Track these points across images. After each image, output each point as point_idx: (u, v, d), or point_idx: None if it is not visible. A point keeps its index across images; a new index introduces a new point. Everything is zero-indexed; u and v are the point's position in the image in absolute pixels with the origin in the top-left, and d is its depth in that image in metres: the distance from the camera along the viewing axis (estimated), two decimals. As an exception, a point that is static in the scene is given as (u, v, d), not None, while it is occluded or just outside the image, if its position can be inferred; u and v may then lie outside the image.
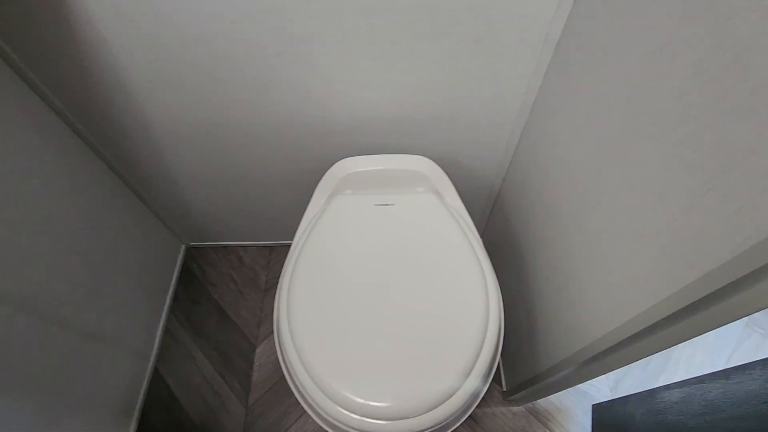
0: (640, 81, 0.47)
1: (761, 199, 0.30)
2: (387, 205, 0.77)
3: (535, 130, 0.79)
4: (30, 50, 0.68)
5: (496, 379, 1.08)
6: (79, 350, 0.84)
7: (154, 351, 1.11)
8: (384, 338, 0.63)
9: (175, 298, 1.22)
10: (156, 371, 1.11)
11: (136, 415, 1.03)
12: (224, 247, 1.31)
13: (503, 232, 1.02)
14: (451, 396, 0.59)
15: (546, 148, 0.74)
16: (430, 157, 0.83)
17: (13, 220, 0.69)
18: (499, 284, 0.73)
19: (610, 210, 0.54)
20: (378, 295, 0.67)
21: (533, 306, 0.84)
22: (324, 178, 0.81)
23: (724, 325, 0.38)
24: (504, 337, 0.70)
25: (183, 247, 1.29)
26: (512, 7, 0.62)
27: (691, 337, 0.43)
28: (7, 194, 0.68)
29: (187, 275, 1.26)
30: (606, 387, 1.07)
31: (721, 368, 0.85)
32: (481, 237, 1.26)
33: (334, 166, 0.81)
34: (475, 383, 0.62)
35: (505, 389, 1.07)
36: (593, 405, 1.01)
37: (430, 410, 0.59)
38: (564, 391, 1.09)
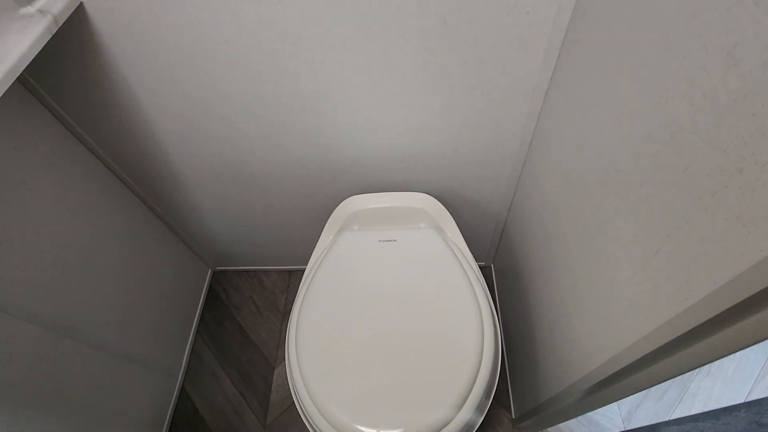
0: (611, 137, 0.50)
1: (694, 264, 0.34)
2: (390, 241, 0.82)
3: (534, 165, 0.83)
4: (77, 109, 0.79)
5: (506, 406, 1.10)
6: (116, 370, 0.93)
7: (182, 370, 1.20)
8: (383, 370, 0.68)
9: (202, 319, 1.31)
10: (183, 389, 1.19)
11: (164, 430, 1.11)
12: (247, 271, 1.40)
13: (510, 259, 1.05)
14: (443, 427, 0.63)
15: (545, 181, 0.78)
16: (435, 192, 0.88)
17: (59, 256, 0.79)
18: (508, 313, 0.76)
19: (609, 237, 0.56)
20: (379, 327, 0.72)
21: (538, 332, 0.86)
22: (333, 215, 0.88)
23: (736, 351, 0.38)
24: (512, 365, 0.73)
25: (210, 272, 1.39)
26: (499, 63, 0.67)
27: (699, 365, 0.42)
28: (55, 233, 0.78)
29: (213, 298, 1.35)
30: (618, 417, 1.07)
31: (742, 401, 0.85)
32: (492, 264, 1.29)
33: (342, 204, 0.87)
34: (467, 415, 0.65)
35: (514, 416, 1.08)
36: (603, 436, 1.01)
37: (424, 440, 0.63)
38: (576, 420, 1.10)
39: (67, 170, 0.82)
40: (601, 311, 0.57)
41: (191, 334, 1.26)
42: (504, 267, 1.13)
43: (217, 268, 1.40)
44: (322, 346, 0.79)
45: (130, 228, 1.00)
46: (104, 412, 0.90)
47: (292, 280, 1.38)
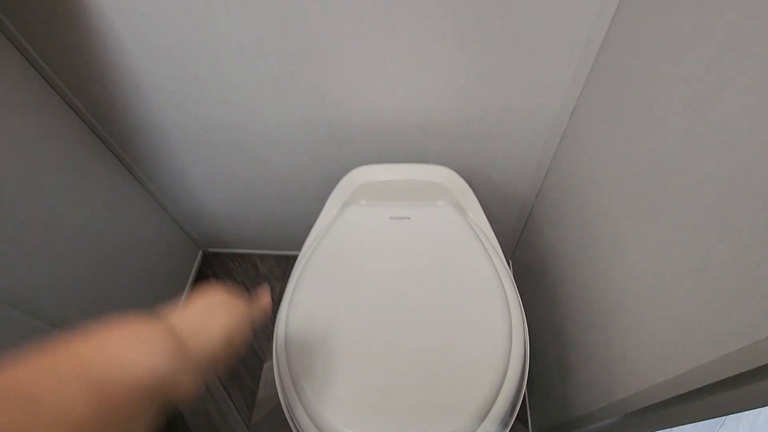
0: (700, 92, 0.38)
1: None
2: (403, 218, 0.70)
3: (573, 143, 0.70)
4: (53, 54, 0.68)
5: (523, 420, 0.97)
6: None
7: (162, 359, 1.08)
8: (390, 371, 0.56)
9: (188, 305, 1.19)
10: (162, 380, 1.07)
11: (137, 424, 0.99)
12: (241, 255, 1.28)
13: (535, 254, 0.93)
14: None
15: (586, 163, 0.65)
16: (454, 169, 0.76)
17: (19, 218, 0.68)
18: (528, 313, 0.64)
19: (665, 235, 0.44)
20: (386, 320, 0.60)
21: (567, 341, 0.74)
22: (338, 186, 0.76)
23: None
24: (531, 374, 0.61)
25: (200, 253, 1.27)
26: (548, 8, 0.55)
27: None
28: (18, 191, 0.67)
29: (201, 282, 1.23)
30: (650, 440, 0.93)
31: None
32: (511, 258, 1.17)
33: (350, 174, 0.75)
34: (491, 429, 0.53)
35: (531, 432, 0.95)
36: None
37: (437, 458, 0.50)
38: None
39: (39, 120, 0.71)
40: (661, 320, 0.45)
41: (175, 319, 1.14)
42: (526, 262, 1.01)
43: (209, 249, 1.28)
44: (317, 340, 0.67)
45: (108, 193, 0.88)
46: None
47: (289, 266, 1.26)
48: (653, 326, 0.46)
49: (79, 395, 0.21)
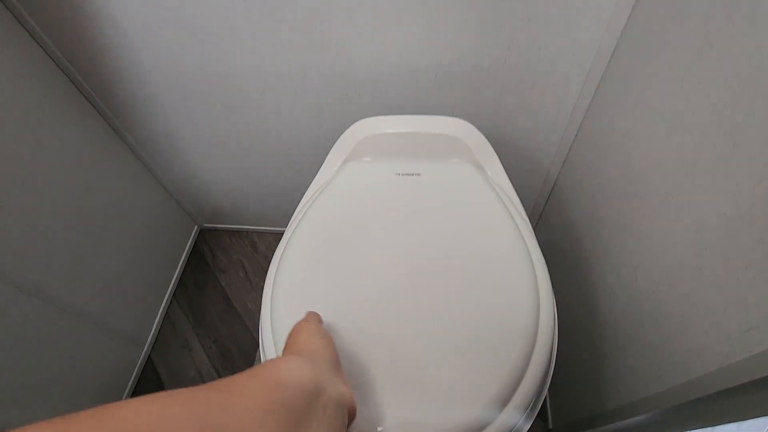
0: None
1: None
2: (412, 174, 0.60)
3: (611, 95, 0.60)
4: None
5: (541, 412, 0.87)
6: (53, 325, 0.73)
7: (151, 337, 1.01)
8: (393, 348, 0.46)
9: (181, 281, 1.11)
10: (149, 360, 1.00)
11: (121, 406, 0.92)
12: (239, 231, 1.20)
13: (561, 229, 0.82)
14: (479, 431, 0.41)
15: (626, 118, 0.55)
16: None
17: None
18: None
19: (737, 182, 0.34)
20: (392, 288, 0.50)
21: (597, 325, 0.64)
22: (339, 140, 0.66)
23: None
24: (557, 362, 0.52)
25: (195, 228, 1.19)
26: None
27: None
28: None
29: (196, 258, 1.16)
30: (687, 441, 0.83)
31: None
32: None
33: (352, 126, 0.66)
34: (513, 417, 0.43)
35: (551, 427, 0.85)
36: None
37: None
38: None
39: (9, 63, 0.63)
40: (738, 292, 0.35)
41: (166, 297, 1.07)
42: (549, 240, 0.90)
43: (205, 225, 1.21)
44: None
45: (85, 146, 0.80)
46: (34, 373, 0.70)
47: (289, 244, 1.17)
48: (708, 308, 0.36)
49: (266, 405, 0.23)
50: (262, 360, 0.53)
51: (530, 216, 0.98)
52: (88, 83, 0.76)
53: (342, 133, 0.69)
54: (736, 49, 0.36)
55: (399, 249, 0.53)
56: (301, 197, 0.65)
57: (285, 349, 0.37)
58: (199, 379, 0.96)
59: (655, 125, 0.48)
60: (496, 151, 0.66)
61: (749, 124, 0.34)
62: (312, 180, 0.67)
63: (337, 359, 0.36)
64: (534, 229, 1.02)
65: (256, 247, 1.17)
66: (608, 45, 0.58)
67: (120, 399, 0.92)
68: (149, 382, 0.97)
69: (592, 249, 0.66)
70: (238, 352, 1.00)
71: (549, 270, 0.54)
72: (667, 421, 0.48)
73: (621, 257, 0.56)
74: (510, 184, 0.64)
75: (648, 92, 0.51)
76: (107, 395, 0.89)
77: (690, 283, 0.41)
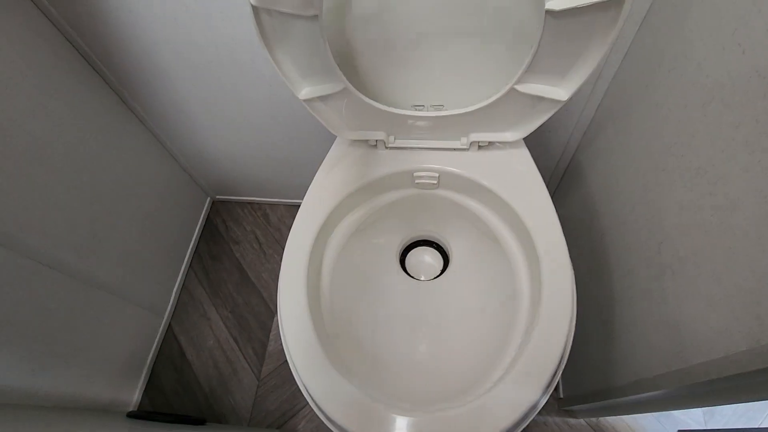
0: None
1: None
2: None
3: (641, 62, 0.56)
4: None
5: (552, 382, 0.88)
6: (76, 297, 0.75)
7: (169, 307, 1.03)
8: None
9: (196, 253, 1.13)
10: (170, 329, 1.03)
11: (144, 373, 0.96)
12: (251, 203, 1.20)
13: (579, 203, 0.81)
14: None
15: (656, 89, 0.52)
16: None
17: (14, 155, 0.60)
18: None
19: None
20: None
21: (615, 301, 0.63)
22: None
23: None
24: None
25: (208, 200, 1.20)
26: None
27: None
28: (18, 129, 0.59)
29: (210, 230, 1.17)
30: (698, 410, 0.84)
31: None
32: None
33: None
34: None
35: (562, 396, 0.87)
36: (680, 431, 0.79)
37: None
38: (639, 407, 0.88)
39: (21, 40, 0.61)
40: (750, 282, 0.33)
41: (183, 268, 1.09)
42: (566, 214, 0.89)
43: (217, 197, 1.21)
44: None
45: (104, 126, 0.80)
46: (61, 344, 0.73)
47: (302, 216, 1.17)
48: (753, 276, 0.35)
49: None
50: (281, 328, 0.53)
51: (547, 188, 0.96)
52: (94, 52, 0.74)
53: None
54: (789, 14, 0.33)
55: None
56: (313, 168, 0.65)
57: None
58: (218, 347, 0.99)
59: (689, 96, 0.46)
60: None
61: (800, 98, 0.31)
62: (321, 149, 0.66)
63: None
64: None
65: (269, 219, 1.18)
66: (640, 6, 0.54)
67: (143, 367, 0.96)
68: (171, 349, 1.00)
69: (612, 224, 0.65)
70: (254, 321, 1.02)
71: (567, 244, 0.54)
72: (683, 398, 0.49)
73: (644, 233, 0.55)
74: (530, 157, 0.62)
75: (684, 61, 0.47)
76: (132, 361, 0.92)
77: (721, 263, 0.39)
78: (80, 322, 0.77)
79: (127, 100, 0.84)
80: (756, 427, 0.81)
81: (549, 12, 0.42)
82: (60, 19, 0.67)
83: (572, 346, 0.51)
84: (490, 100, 0.54)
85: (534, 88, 0.51)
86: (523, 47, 0.48)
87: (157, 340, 0.99)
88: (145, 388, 0.95)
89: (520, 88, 0.51)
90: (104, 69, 0.77)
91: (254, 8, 0.44)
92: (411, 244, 0.77)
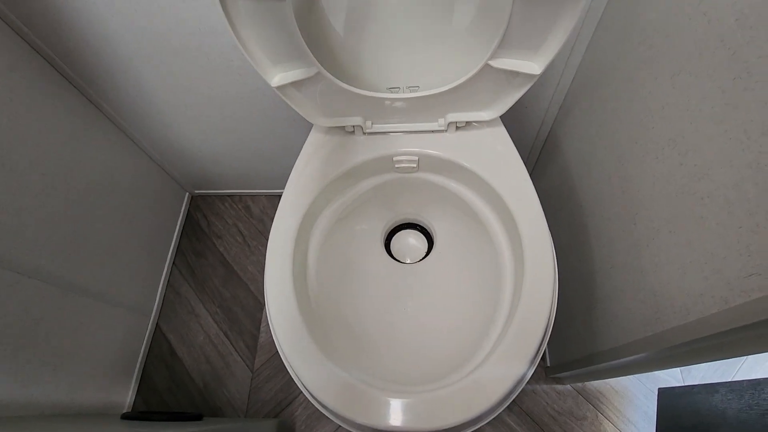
0: None
1: None
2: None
3: (613, 33, 0.57)
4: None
5: (539, 352, 0.91)
6: (59, 304, 0.74)
7: (155, 307, 1.02)
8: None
9: (179, 250, 1.11)
10: (158, 328, 1.02)
11: (136, 374, 0.95)
12: (231, 195, 1.18)
13: (557, 177, 0.82)
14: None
15: (627, 60, 0.52)
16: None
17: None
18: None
19: (743, 128, 0.33)
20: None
21: (595, 271, 0.65)
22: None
23: None
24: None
25: (187, 196, 1.17)
26: None
27: None
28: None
29: (191, 226, 1.15)
30: (676, 368, 0.88)
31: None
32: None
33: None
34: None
35: (549, 364, 0.90)
36: (660, 389, 0.83)
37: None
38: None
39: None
40: (734, 238, 0.35)
41: (166, 266, 1.07)
42: (545, 188, 0.90)
43: (196, 191, 1.18)
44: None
45: (72, 127, 0.76)
46: (44, 352, 0.72)
47: (284, 206, 1.16)
48: (722, 243, 0.36)
49: None
50: (270, 320, 0.53)
51: (525, 163, 0.97)
52: (53, 50, 0.70)
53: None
54: (751, -17, 0.34)
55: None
56: (293, 156, 0.64)
57: None
58: (209, 342, 0.99)
59: (658, 68, 0.46)
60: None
61: (763, 67, 0.32)
62: (300, 137, 0.65)
63: None
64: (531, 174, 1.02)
65: (251, 211, 1.16)
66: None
67: (133, 368, 0.95)
68: (161, 348, 0.99)
69: (590, 196, 0.66)
70: (243, 314, 1.02)
71: (547, 219, 0.55)
72: (661, 360, 0.51)
73: (620, 204, 0.56)
74: (507, 135, 0.62)
75: (652, 32, 0.48)
76: (123, 363, 0.91)
77: (692, 230, 0.41)
78: (65, 329, 0.75)
79: (92, 98, 0.81)
80: (729, 380, 0.85)
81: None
82: (11, 16, 0.63)
83: (557, 317, 0.53)
84: (465, 78, 0.53)
85: (508, 63, 0.51)
86: (495, 22, 0.47)
87: (145, 340, 0.98)
88: (138, 389, 0.95)
89: (494, 63, 0.51)
90: (65, 67, 0.73)
91: None
92: (396, 227, 0.78)
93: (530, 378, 0.86)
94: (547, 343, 0.91)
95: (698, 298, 0.40)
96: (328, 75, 0.53)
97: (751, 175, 0.33)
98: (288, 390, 0.93)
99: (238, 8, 0.45)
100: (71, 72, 0.75)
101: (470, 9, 0.49)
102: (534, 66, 0.51)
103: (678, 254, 0.43)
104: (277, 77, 0.54)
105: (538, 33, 0.48)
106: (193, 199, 1.19)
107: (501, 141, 0.61)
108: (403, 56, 0.55)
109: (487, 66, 0.52)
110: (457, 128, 0.62)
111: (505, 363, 0.45)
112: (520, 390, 0.48)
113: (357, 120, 0.61)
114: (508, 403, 0.48)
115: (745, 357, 0.89)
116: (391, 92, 0.58)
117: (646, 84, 0.49)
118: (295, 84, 0.55)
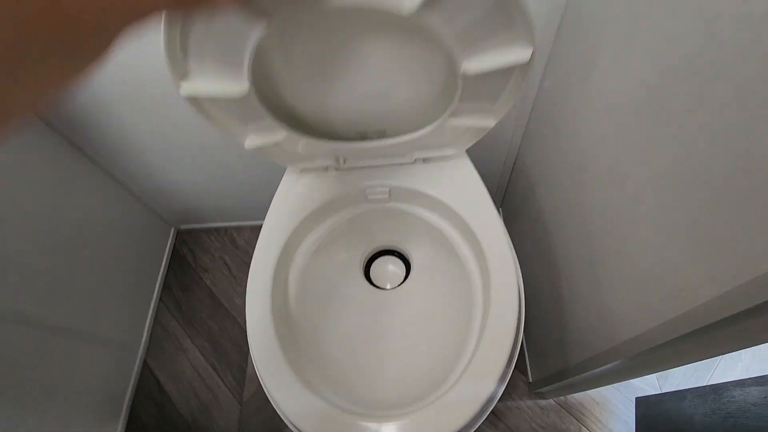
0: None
1: None
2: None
3: (561, 71, 0.62)
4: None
5: (522, 369, 0.94)
6: (45, 347, 0.75)
7: (143, 343, 1.03)
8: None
9: (165, 285, 1.13)
10: (145, 364, 1.02)
11: (124, 412, 0.95)
12: (216, 229, 1.21)
13: (524, 197, 0.86)
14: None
15: (574, 94, 0.57)
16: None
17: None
18: (521, 261, 0.59)
19: (670, 161, 0.38)
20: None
21: (563, 286, 0.69)
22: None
23: None
24: (529, 323, 0.56)
25: (173, 231, 1.19)
26: None
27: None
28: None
29: (177, 261, 1.16)
30: (653, 376, 0.91)
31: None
32: (501, 207, 1.11)
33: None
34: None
35: (531, 380, 0.93)
36: (637, 398, 0.86)
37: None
38: (601, 381, 0.94)
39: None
40: (669, 254, 0.39)
41: (152, 303, 1.08)
42: (514, 209, 0.95)
43: (182, 226, 1.21)
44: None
45: (53, 170, 0.79)
46: (43, 391, 0.72)
47: (268, 237, 1.19)
48: (663, 258, 0.40)
49: None
50: (251, 353, 0.55)
51: (497, 189, 1.02)
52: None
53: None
54: (659, 36, 0.39)
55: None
56: (276, 188, 0.67)
57: None
58: (197, 377, 1.00)
59: (597, 102, 0.51)
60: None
61: (676, 102, 0.37)
62: (284, 171, 0.68)
63: None
64: (503, 201, 1.06)
65: (236, 243, 1.18)
66: (552, 24, 0.60)
67: (121, 406, 0.95)
68: (149, 384, 1.00)
69: (553, 220, 0.70)
70: (231, 346, 1.03)
71: (517, 239, 0.58)
72: (626, 369, 0.54)
73: (577, 228, 0.60)
74: (471, 164, 0.66)
75: (592, 70, 0.53)
76: (108, 403, 0.91)
77: (636, 251, 0.45)
78: (52, 371, 0.76)
79: (74, 141, 0.84)
80: (705, 385, 0.89)
81: (463, 75, 0.45)
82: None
83: (534, 332, 0.55)
84: (427, 131, 0.57)
85: (464, 121, 0.55)
86: (450, 94, 0.50)
87: (133, 377, 0.99)
88: (127, 427, 0.94)
89: (451, 122, 0.55)
90: (46, 114, 0.76)
91: (188, 99, 0.46)
92: (376, 254, 0.81)
93: (514, 395, 0.89)
94: (529, 360, 0.94)
95: (643, 313, 0.44)
96: (297, 135, 0.56)
97: (674, 197, 0.37)
98: (277, 421, 0.93)
99: (208, 106, 0.48)
100: (52, 119, 0.78)
101: (430, 87, 0.52)
102: (489, 121, 0.54)
103: (625, 274, 0.47)
104: (248, 140, 0.56)
105: (488, 102, 0.50)
106: (179, 233, 1.21)
107: (465, 171, 0.65)
108: (371, 114, 0.58)
109: (447, 121, 0.55)
110: (425, 161, 0.66)
111: (474, 383, 0.48)
112: (491, 408, 0.51)
113: (330, 161, 0.65)
114: (481, 421, 0.51)
115: (717, 361, 0.93)
116: (361, 140, 0.60)
117: (589, 116, 0.54)
118: (266, 144, 0.58)
